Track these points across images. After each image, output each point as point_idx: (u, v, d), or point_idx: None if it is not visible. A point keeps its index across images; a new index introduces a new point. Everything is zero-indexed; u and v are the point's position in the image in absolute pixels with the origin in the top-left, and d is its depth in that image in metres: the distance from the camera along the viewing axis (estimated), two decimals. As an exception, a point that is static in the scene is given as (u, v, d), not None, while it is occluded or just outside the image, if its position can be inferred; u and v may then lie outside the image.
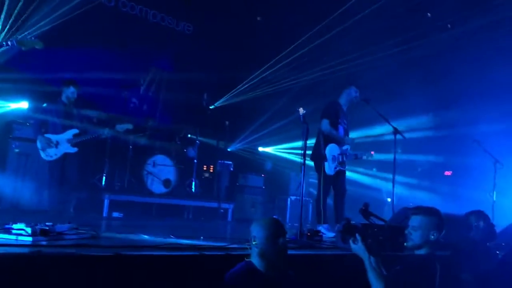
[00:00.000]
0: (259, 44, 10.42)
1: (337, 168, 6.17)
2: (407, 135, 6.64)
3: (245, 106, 10.84)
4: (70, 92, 6.39)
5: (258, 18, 10.83)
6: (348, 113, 6.54)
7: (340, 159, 6.17)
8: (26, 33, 4.06)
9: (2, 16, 6.87)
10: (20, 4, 7.12)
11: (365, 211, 3.57)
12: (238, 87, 10.82)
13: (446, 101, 9.82)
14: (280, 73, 10.60)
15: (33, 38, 4.08)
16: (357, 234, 3.32)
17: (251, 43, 10.43)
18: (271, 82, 10.74)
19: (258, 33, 10.58)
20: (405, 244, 3.36)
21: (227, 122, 9.73)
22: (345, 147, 6.23)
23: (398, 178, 6.65)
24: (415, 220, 3.27)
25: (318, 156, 6.11)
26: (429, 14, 9.64)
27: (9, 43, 3.95)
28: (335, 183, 6.23)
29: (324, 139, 6.14)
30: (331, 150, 6.14)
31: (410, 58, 10.10)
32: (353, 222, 3.60)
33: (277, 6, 10.04)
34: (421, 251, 3.25)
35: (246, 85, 10.84)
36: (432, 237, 3.21)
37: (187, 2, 10.20)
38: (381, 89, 9.35)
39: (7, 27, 6.99)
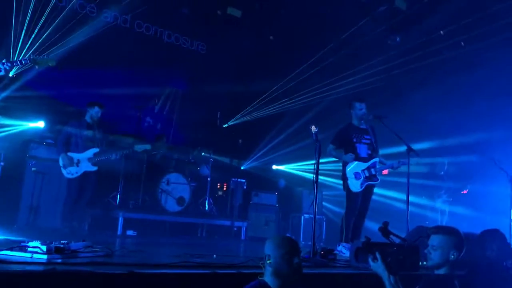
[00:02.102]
0: (271, 63, 10.50)
1: (365, 184, 6.20)
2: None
3: (259, 124, 10.89)
4: (94, 112, 6.67)
5: (271, 37, 10.92)
6: (372, 127, 6.54)
7: (367, 174, 6.20)
8: (43, 54, 4.14)
9: (21, 38, 7.07)
10: (38, 25, 7.33)
11: (385, 230, 3.53)
12: (252, 105, 10.89)
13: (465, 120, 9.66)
14: (293, 91, 10.66)
15: (45, 56, 4.17)
16: (377, 253, 3.29)
17: (264, 62, 10.52)
18: (284, 100, 10.79)
19: (271, 52, 10.67)
20: (424, 263, 3.32)
21: (240, 140, 9.76)
22: (372, 161, 6.26)
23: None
24: (435, 240, 3.24)
25: (342, 175, 6.31)
26: (441, 32, 9.63)
27: (23, 61, 4.05)
28: (362, 200, 6.27)
29: (342, 160, 6.33)
30: (352, 168, 6.21)
31: (427, 75, 10.09)
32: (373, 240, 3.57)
33: (290, 25, 10.13)
34: (441, 271, 3.21)
35: (259, 104, 10.90)
36: (452, 256, 3.17)
37: (201, 22, 10.35)
38: (397, 108, 9.28)
39: (25, 49, 7.18)
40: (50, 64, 4.22)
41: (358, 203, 6.18)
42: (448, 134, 9.46)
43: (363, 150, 6.33)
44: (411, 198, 6.12)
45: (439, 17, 9.20)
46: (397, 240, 3.51)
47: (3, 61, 3.95)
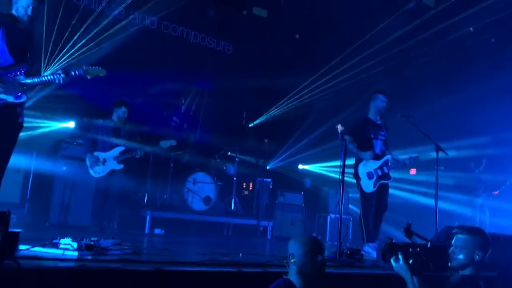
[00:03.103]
0: (297, 62, 10.48)
1: (378, 183, 6.01)
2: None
3: (284, 123, 10.88)
4: (121, 111, 6.80)
5: (297, 36, 10.90)
6: (385, 123, 6.37)
7: (380, 173, 6.02)
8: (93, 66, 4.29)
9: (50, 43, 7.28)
10: (67, 31, 7.52)
11: (408, 230, 3.50)
12: (277, 105, 10.89)
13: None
14: (319, 91, 10.61)
15: (97, 67, 4.32)
16: (399, 253, 3.26)
17: (290, 61, 10.51)
18: (310, 99, 10.75)
19: (297, 51, 10.65)
20: (449, 264, 3.27)
21: (266, 140, 9.78)
22: (384, 159, 6.06)
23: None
24: (459, 240, 3.19)
25: (355, 174, 6.12)
26: (471, 28, 9.43)
27: (77, 73, 4.20)
28: (377, 199, 6.08)
29: (356, 158, 6.11)
30: (364, 167, 6.04)
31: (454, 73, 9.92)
32: (395, 241, 3.54)
33: (315, 23, 10.09)
34: (466, 272, 3.16)
35: (285, 103, 10.90)
36: (477, 257, 3.12)
37: (227, 22, 10.42)
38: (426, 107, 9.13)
39: (56, 52, 7.39)
40: (100, 75, 4.35)
41: (373, 202, 6.01)
42: (478, 132, 9.26)
43: (378, 146, 6.13)
44: (449, 197, 5.94)
45: (468, 13, 9.01)
46: (420, 241, 3.48)
47: (59, 72, 4.10)
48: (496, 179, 9.10)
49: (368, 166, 6.04)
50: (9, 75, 3.96)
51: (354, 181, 6.24)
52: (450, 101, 9.51)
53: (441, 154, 6.01)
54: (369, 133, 6.14)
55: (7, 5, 4.19)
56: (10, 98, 3.92)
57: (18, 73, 4.03)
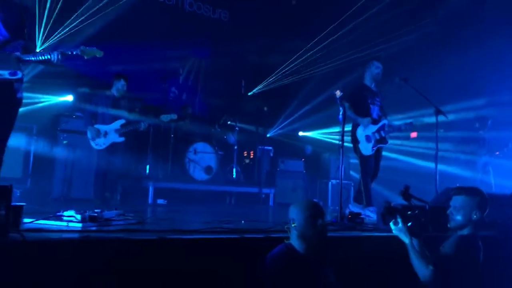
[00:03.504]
0: (295, 29, 10.34)
1: (376, 147, 6.10)
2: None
3: (284, 91, 10.83)
4: (120, 85, 6.78)
5: (293, 2, 10.73)
6: (380, 90, 6.44)
7: (377, 137, 6.10)
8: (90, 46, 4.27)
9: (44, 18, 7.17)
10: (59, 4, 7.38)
11: (405, 193, 3.53)
12: (276, 72, 10.80)
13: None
14: (318, 57, 10.50)
15: (94, 48, 4.29)
16: (398, 216, 3.31)
17: (287, 27, 10.36)
18: (308, 66, 10.66)
19: (294, 17, 10.49)
20: (448, 225, 3.32)
21: (265, 108, 9.75)
22: (381, 123, 6.15)
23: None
24: (456, 200, 3.24)
25: (352, 137, 6.18)
26: None
27: (74, 53, 4.17)
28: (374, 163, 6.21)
29: (354, 123, 6.18)
30: (363, 131, 6.11)
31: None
32: (394, 204, 3.58)
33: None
34: (464, 231, 3.21)
35: (284, 70, 10.81)
36: (475, 216, 3.17)
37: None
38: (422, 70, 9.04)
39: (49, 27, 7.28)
40: (97, 55, 4.32)
41: (371, 165, 6.12)
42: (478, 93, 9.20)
43: (375, 112, 6.22)
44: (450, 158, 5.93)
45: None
46: (420, 203, 3.52)
47: (56, 52, 4.06)
48: (499, 140, 9.08)
49: (367, 130, 6.12)
50: (6, 51, 3.92)
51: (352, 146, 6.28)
52: (449, 63, 9.42)
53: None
54: (366, 99, 6.21)
55: None
56: (5, 74, 3.88)
57: (15, 49, 3.98)
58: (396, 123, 6.30)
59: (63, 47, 4.24)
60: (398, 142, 8.60)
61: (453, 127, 8.00)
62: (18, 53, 3.96)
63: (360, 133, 6.12)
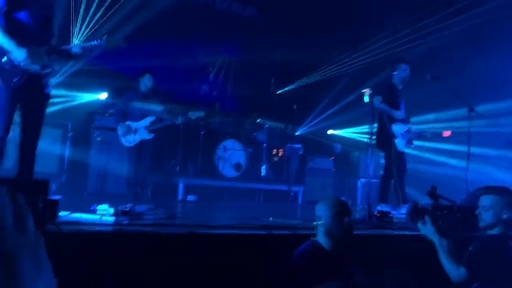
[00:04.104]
0: (324, 27, 10.28)
1: (407, 146, 6.14)
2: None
3: (313, 89, 10.79)
4: (146, 79, 6.86)
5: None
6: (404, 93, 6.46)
7: (408, 137, 6.14)
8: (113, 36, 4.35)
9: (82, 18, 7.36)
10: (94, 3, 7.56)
11: (432, 194, 3.51)
12: (306, 71, 10.78)
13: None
14: (347, 55, 10.43)
15: (118, 38, 4.36)
16: (426, 216, 3.29)
17: (319, 26, 10.31)
18: (338, 64, 10.60)
19: (324, 15, 10.43)
20: (478, 225, 3.28)
21: (295, 106, 9.75)
22: (408, 125, 6.21)
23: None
24: (485, 200, 3.19)
25: (386, 134, 6.10)
26: None
27: (98, 42, 4.24)
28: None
29: (389, 117, 6.12)
30: (398, 128, 6.12)
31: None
32: (422, 204, 3.56)
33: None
34: (494, 231, 3.16)
35: (314, 69, 10.77)
36: (505, 216, 3.12)
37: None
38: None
39: (84, 25, 7.47)
40: (122, 45, 4.39)
41: (405, 162, 6.12)
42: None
43: (403, 112, 6.26)
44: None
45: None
46: (447, 204, 3.49)
47: (79, 43, 4.16)
48: None
49: (401, 128, 6.14)
50: (35, 45, 3.99)
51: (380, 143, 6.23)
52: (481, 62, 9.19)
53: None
54: (396, 97, 6.23)
55: None
56: (36, 68, 3.95)
57: (44, 43, 4.06)
58: (414, 128, 6.38)
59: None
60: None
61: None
62: (47, 47, 4.00)
63: (396, 128, 6.11)
